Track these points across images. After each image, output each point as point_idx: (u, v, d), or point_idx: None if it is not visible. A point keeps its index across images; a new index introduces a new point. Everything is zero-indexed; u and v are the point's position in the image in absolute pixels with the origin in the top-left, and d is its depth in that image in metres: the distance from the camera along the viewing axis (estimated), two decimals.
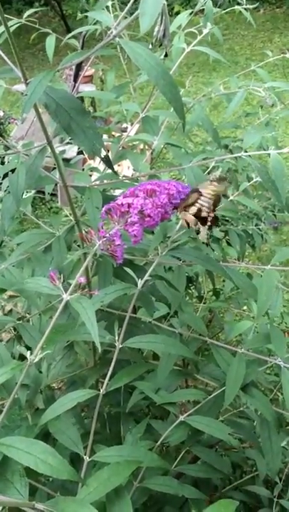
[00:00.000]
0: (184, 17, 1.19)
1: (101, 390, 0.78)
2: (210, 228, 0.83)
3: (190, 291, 2.02)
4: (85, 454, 0.76)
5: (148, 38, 0.71)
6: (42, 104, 0.67)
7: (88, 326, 0.55)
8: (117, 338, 0.79)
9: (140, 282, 0.82)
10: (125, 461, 0.63)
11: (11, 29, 1.02)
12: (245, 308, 2.34)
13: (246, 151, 0.80)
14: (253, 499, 1.39)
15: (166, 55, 0.72)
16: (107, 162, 0.72)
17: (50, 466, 0.53)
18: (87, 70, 4.42)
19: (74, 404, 0.73)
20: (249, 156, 0.75)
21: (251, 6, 1.40)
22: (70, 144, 2.22)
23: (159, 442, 0.91)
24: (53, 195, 3.85)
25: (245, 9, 1.40)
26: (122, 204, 0.72)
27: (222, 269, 0.85)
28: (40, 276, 0.90)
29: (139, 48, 0.57)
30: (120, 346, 0.78)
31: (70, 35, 1.07)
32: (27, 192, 1.94)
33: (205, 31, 1.12)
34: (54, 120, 0.65)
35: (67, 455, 0.85)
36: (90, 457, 0.73)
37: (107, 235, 0.66)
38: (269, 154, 1.07)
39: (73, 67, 2.92)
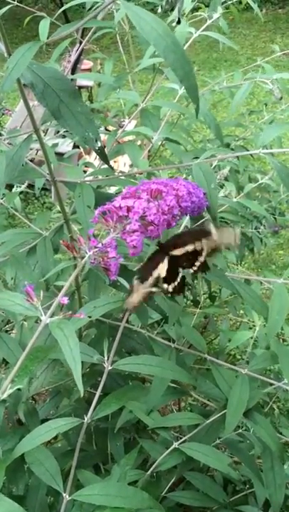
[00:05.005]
0: (188, 1, 1.09)
1: (85, 418, 0.68)
2: (195, 272, 0.71)
3: (185, 294, 1.93)
4: (66, 479, 0.66)
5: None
6: (28, 84, 0.57)
7: (69, 361, 0.45)
8: (106, 358, 0.69)
9: None
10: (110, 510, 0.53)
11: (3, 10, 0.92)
12: (241, 312, 2.25)
13: (250, 148, 0.71)
14: None
15: (178, 22, 0.61)
16: (102, 154, 0.62)
17: None
18: (85, 64, 4.27)
19: (53, 435, 0.63)
20: (271, 153, 0.65)
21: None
22: (65, 137, 2.12)
23: (149, 472, 0.81)
24: (47, 190, 3.73)
25: (250, 5, 1.31)
26: (121, 207, 0.59)
27: (229, 283, 0.75)
28: (23, 281, 0.81)
29: (145, 13, 0.46)
30: (110, 368, 0.68)
31: (62, 8, 0.97)
32: (18, 186, 1.84)
33: (215, 16, 1.02)
34: (41, 103, 0.55)
35: (45, 486, 0.75)
36: (70, 495, 0.63)
37: (100, 244, 0.54)
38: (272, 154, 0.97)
39: (71, 59, 2.81)
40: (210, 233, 0.68)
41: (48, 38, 1.28)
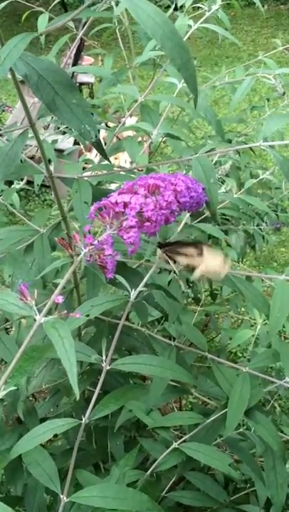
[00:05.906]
0: None
1: (83, 419, 0.67)
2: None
3: (186, 292, 1.92)
4: (65, 479, 0.65)
5: None
6: (22, 76, 0.55)
7: (64, 362, 0.43)
8: (104, 358, 0.68)
9: (134, 293, 0.71)
10: None
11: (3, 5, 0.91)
12: (243, 310, 2.24)
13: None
14: None
15: (175, 9, 0.59)
16: (99, 147, 0.60)
17: None
18: (86, 60, 4.25)
19: (50, 435, 0.62)
20: (271, 146, 0.64)
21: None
22: (65, 133, 2.10)
23: (149, 472, 0.80)
24: (48, 187, 3.71)
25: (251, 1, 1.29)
26: (117, 202, 0.57)
27: (231, 281, 0.74)
28: (20, 280, 0.79)
29: (143, 2, 0.44)
30: (108, 368, 0.67)
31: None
32: (17, 183, 1.82)
33: (214, 7, 1.00)
34: (35, 95, 0.54)
35: (43, 487, 0.74)
36: (68, 495, 0.62)
37: (96, 241, 0.52)
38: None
39: (72, 55, 2.79)
40: (201, 253, 0.68)
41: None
